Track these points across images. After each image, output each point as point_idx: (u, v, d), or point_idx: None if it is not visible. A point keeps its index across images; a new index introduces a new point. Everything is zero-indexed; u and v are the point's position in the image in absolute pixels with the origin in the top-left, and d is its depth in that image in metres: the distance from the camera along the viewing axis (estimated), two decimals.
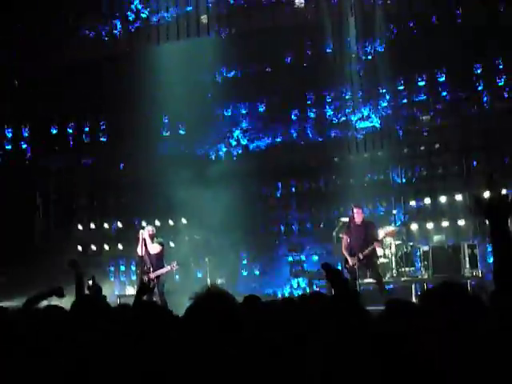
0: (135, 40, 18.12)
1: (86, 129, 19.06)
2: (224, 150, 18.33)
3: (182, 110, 17.64)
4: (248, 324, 3.31)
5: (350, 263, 11.70)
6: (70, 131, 19.06)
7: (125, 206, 18.86)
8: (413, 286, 13.48)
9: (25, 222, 18.18)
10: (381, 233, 12.89)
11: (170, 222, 17.52)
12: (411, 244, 14.61)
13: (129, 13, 18.11)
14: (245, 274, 17.31)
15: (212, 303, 2.96)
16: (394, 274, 13.91)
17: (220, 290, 3.10)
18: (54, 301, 5.11)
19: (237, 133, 18.28)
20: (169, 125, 18.59)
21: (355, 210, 12.04)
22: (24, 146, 18.96)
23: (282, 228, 17.50)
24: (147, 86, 16.89)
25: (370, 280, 12.22)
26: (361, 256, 11.72)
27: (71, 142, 19.13)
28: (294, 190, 17.82)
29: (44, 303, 4.85)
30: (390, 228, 13.81)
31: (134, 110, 17.92)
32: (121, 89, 17.43)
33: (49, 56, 18.03)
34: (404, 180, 16.96)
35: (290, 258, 16.97)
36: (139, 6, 18.06)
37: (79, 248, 18.04)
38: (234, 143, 18.34)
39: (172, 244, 16.15)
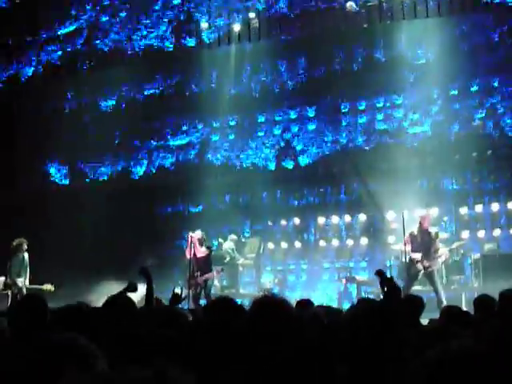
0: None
1: None
2: (273, 154, 18.39)
3: (232, 115, 17.92)
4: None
5: (417, 269, 11.59)
6: None
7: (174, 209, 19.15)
8: (463, 295, 13.26)
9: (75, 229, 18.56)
10: (444, 248, 12.69)
11: (219, 226, 17.64)
12: (462, 252, 14.39)
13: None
14: (292, 279, 17.27)
15: (266, 310, 2.99)
16: (444, 282, 13.70)
17: (276, 298, 3.12)
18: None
19: (287, 137, 18.32)
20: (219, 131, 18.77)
21: (426, 216, 12.07)
22: None
23: (330, 234, 17.41)
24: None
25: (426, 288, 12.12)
26: (427, 264, 11.63)
27: None
28: (343, 195, 17.75)
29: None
30: (457, 243, 13.54)
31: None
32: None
33: None
34: (455, 186, 16.73)
35: (337, 265, 16.87)
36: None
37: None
38: (283, 148, 18.38)
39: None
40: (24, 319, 4.30)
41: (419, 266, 11.67)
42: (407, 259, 11.93)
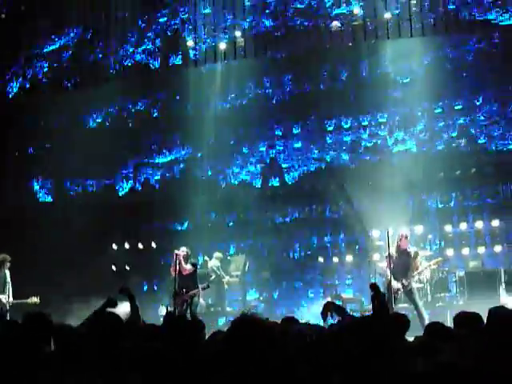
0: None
1: None
2: (259, 171, 18.43)
3: (217, 132, 18.00)
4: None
5: (395, 287, 11.64)
6: None
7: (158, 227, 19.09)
8: (448, 312, 13.27)
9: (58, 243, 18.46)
10: (423, 263, 12.73)
11: (203, 244, 17.60)
12: (446, 269, 14.44)
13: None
14: (276, 296, 17.25)
15: (247, 331, 3.02)
16: (429, 300, 13.73)
17: (254, 318, 3.15)
18: None
19: (273, 155, 18.37)
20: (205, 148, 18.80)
21: (403, 236, 12.04)
22: None
23: (315, 251, 17.42)
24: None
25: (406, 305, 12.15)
26: (405, 282, 11.71)
27: None
28: (328, 213, 17.77)
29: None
30: (435, 260, 13.56)
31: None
32: None
33: None
34: (440, 204, 16.81)
35: (323, 282, 16.86)
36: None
37: (113, 267, 18.19)
38: (268, 165, 18.43)
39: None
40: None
41: (398, 284, 11.75)
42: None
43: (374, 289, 5.86)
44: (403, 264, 11.96)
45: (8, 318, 11.59)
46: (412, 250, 12.27)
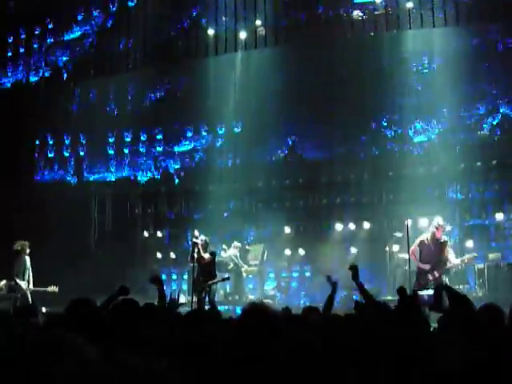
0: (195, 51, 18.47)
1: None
2: (279, 160, 18.39)
3: (239, 118, 18.04)
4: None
5: (426, 279, 11.48)
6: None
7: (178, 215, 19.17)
8: None
9: (81, 232, 18.57)
10: (456, 260, 12.47)
11: (222, 232, 17.66)
12: (466, 261, 14.33)
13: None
14: (294, 285, 17.25)
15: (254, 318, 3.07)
16: None
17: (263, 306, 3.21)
18: None
19: (292, 141, 18.33)
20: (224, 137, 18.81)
21: (440, 226, 11.77)
22: None
23: (335, 241, 17.39)
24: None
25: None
26: (436, 275, 11.52)
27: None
28: (347, 203, 17.70)
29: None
30: (470, 255, 13.38)
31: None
32: None
33: None
34: (460, 196, 16.71)
35: (341, 272, 16.81)
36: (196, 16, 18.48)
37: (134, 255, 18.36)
38: (288, 152, 18.39)
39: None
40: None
41: (429, 276, 11.56)
42: (416, 268, 11.85)
43: (401, 293, 5.86)
44: (436, 254, 11.69)
45: (30, 303, 11.77)
46: (443, 238, 11.98)
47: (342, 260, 16.76)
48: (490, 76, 16.48)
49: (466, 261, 12.68)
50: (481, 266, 14.01)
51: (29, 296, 12.33)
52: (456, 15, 16.10)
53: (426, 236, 11.87)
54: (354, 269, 6.43)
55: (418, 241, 11.87)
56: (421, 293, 10.35)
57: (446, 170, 16.38)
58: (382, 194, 17.15)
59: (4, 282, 12.44)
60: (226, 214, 18.38)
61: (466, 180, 16.68)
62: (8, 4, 19.70)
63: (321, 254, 16.85)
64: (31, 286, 12.52)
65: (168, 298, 6.51)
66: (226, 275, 13.60)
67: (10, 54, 20.08)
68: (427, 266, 11.57)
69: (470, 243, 15.42)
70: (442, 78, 16.36)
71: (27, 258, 12.62)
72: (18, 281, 12.35)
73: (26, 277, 12.49)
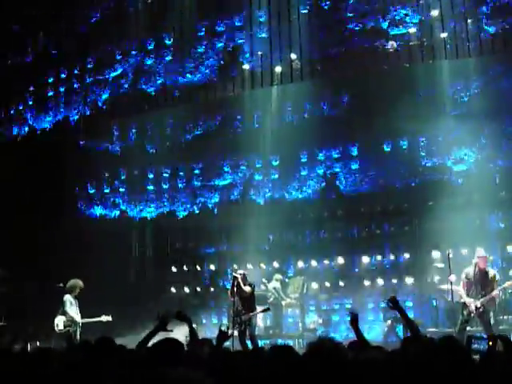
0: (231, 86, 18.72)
1: None
2: (317, 191, 18.41)
3: (274, 155, 18.14)
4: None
5: (472, 308, 11.41)
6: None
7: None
8: None
9: (123, 268, 18.78)
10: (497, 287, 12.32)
11: (262, 266, 17.66)
12: (510, 291, 14.11)
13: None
14: (336, 318, 17.09)
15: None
16: (492, 322, 13.40)
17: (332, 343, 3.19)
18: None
19: (330, 176, 18.35)
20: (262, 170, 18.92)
21: (481, 256, 11.74)
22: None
23: (376, 273, 17.25)
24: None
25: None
26: (478, 304, 11.42)
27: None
28: (386, 234, 17.61)
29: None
30: (509, 282, 13.21)
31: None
32: None
33: None
34: (501, 224, 16.49)
35: (383, 304, 16.65)
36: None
37: (172, 289, 18.41)
38: (326, 187, 18.40)
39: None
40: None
41: (471, 307, 11.48)
42: (460, 300, 11.78)
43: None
44: (481, 285, 11.62)
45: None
46: (491, 271, 11.94)
47: (382, 292, 16.65)
48: None
49: (505, 287, 12.52)
50: None
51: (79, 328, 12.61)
52: (492, 43, 16.05)
53: (469, 269, 11.80)
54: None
55: (463, 275, 11.81)
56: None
57: (486, 199, 16.19)
58: (422, 223, 17.00)
59: (59, 317, 12.67)
60: (265, 248, 18.39)
61: (508, 208, 16.48)
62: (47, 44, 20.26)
63: (361, 285, 16.73)
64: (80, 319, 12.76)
65: (217, 331, 6.51)
66: (266, 306, 13.56)
67: (50, 93, 20.55)
68: (471, 300, 11.48)
69: None
70: (480, 106, 16.29)
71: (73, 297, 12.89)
72: (71, 314, 12.60)
73: (74, 310, 12.73)
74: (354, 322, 6.22)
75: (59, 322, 12.65)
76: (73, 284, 12.91)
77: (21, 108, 20.72)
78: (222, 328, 6.54)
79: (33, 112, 20.63)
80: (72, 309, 12.71)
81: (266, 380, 3.40)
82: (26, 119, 20.65)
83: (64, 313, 12.67)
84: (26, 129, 20.60)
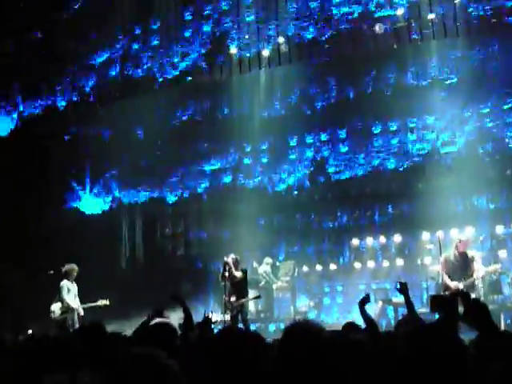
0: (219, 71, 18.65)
1: None
2: (305, 177, 18.42)
3: (263, 139, 18.10)
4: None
5: (454, 289, 11.48)
6: None
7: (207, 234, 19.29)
8: (501, 315, 13.06)
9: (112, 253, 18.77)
10: (481, 270, 12.42)
11: (252, 250, 17.66)
12: (499, 271, 14.19)
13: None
14: (327, 301, 17.17)
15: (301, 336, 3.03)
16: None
17: (309, 323, 3.15)
18: None
19: (319, 160, 18.35)
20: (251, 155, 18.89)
21: (461, 240, 11.80)
22: None
23: (365, 255, 17.32)
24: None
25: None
26: (460, 286, 11.50)
27: None
28: (376, 217, 17.68)
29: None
30: (494, 266, 13.32)
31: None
32: None
33: None
34: (490, 205, 16.56)
35: (373, 286, 16.72)
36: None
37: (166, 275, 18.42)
38: (316, 171, 18.41)
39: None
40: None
41: (456, 285, 11.55)
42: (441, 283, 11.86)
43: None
44: (461, 267, 11.72)
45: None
46: (470, 253, 12.00)
47: (373, 274, 16.73)
48: None
49: (489, 272, 12.61)
50: None
51: (81, 313, 12.60)
52: (480, 24, 16.06)
53: (450, 252, 11.88)
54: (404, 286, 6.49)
55: (442, 259, 11.86)
56: None
57: (475, 180, 16.24)
58: (411, 206, 17.06)
59: (56, 304, 12.65)
60: (255, 232, 18.39)
61: (496, 189, 16.54)
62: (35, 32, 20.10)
63: (352, 268, 16.80)
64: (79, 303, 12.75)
65: (203, 317, 6.52)
66: (258, 294, 13.59)
67: (37, 81, 20.42)
68: (453, 283, 11.55)
69: (502, 253, 15.26)
70: (468, 88, 16.33)
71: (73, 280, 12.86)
72: (68, 301, 12.56)
73: (72, 296, 12.70)
74: (362, 303, 6.17)
75: (55, 308, 12.62)
76: (68, 268, 12.83)
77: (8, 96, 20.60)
78: (208, 314, 6.59)
79: (20, 100, 20.50)
80: (70, 295, 12.65)
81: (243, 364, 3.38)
82: (15, 106, 20.54)
83: (60, 299, 12.63)
84: (15, 116, 20.49)
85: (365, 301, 6.19)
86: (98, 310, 12.92)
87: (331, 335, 3.24)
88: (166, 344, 4.50)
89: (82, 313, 12.60)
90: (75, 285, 12.84)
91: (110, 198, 20.06)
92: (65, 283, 12.69)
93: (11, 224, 17.96)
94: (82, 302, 12.83)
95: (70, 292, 12.68)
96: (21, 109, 20.47)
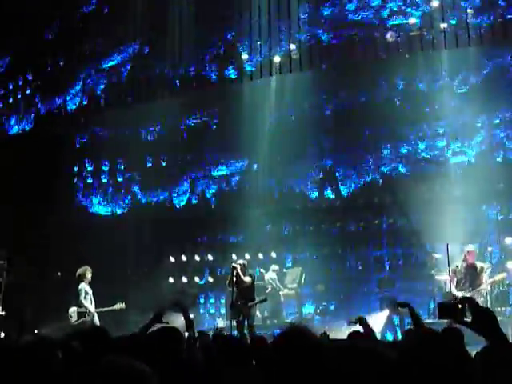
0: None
1: None
2: (314, 183, 18.39)
3: (273, 145, 18.07)
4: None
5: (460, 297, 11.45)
6: None
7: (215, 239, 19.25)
8: (509, 327, 12.97)
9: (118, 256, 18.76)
10: (487, 280, 12.42)
11: (260, 256, 17.64)
12: (508, 282, 14.12)
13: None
14: (332, 308, 17.12)
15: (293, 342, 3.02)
16: None
17: (302, 330, 3.14)
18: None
19: (329, 166, 18.32)
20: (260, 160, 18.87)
21: (469, 251, 11.97)
22: None
23: (373, 264, 17.28)
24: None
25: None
26: (468, 295, 11.47)
27: None
28: (384, 225, 17.62)
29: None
30: (500, 275, 13.28)
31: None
32: None
33: None
34: (500, 216, 16.48)
35: (380, 295, 16.68)
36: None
37: (170, 279, 18.37)
38: (324, 177, 18.38)
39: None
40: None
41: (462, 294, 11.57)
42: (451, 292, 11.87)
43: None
44: (469, 279, 11.75)
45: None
46: (479, 265, 12.05)
47: (380, 282, 16.70)
48: None
49: (495, 280, 12.60)
50: None
51: (96, 318, 12.52)
52: (492, 34, 16.03)
53: (459, 263, 11.91)
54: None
55: (452, 270, 11.92)
56: None
57: (484, 191, 16.16)
58: (419, 214, 16.98)
59: (73, 308, 12.62)
60: (262, 238, 18.36)
61: (506, 200, 16.47)
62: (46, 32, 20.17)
63: (359, 276, 16.77)
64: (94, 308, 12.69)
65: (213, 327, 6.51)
66: (264, 297, 13.58)
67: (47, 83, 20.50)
68: (461, 293, 11.55)
69: (511, 264, 15.16)
70: (479, 98, 16.27)
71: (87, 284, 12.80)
72: (86, 305, 12.52)
73: (89, 300, 12.65)
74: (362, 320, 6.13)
75: (73, 313, 12.57)
76: (81, 271, 12.77)
77: (19, 97, 20.68)
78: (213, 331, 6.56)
79: (30, 101, 20.58)
80: (87, 298, 12.59)
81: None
82: (29, 106, 20.62)
83: (79, 303, 12.59)
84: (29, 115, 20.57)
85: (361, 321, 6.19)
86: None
87: (336, 344, 3.21)
88: (174, 350, 4.50)
89: (96, 317, 12.55)
90: (90, 288, 12.79)
91: (119, 201, 20.07)
92: (83, 286, 12.61)
93: (23, 222, 18.00)
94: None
95: (87, 295, 12.62)
96: (36, 108, 20.53)
